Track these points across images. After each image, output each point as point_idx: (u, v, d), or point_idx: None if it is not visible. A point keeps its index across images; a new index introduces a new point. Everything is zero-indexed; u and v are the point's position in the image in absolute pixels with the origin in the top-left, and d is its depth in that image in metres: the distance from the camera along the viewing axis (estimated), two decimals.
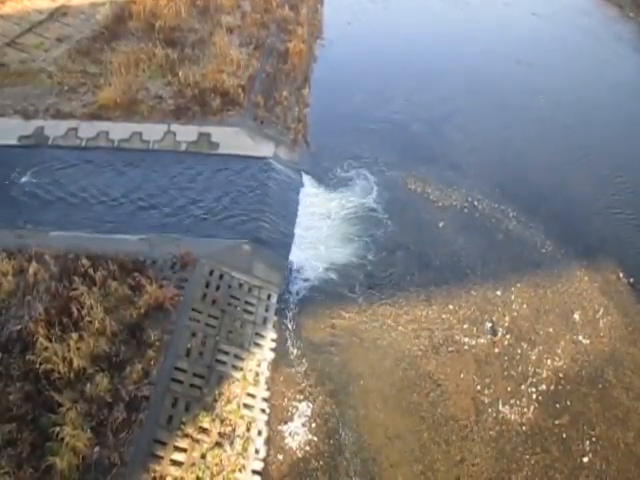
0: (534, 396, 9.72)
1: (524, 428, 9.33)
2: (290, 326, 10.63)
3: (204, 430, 8.54)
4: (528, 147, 15.38)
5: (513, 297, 11.37)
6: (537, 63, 19.35)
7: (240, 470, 8.39)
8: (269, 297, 10.92)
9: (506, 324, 10.83)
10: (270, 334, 10.31)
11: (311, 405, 9.45)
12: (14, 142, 13.60)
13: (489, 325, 10.78)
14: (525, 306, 11.19)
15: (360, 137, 15.45)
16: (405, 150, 15.12)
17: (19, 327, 8.98)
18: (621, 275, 11.92)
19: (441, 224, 12.98)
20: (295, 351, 10.18)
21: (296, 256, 11.90)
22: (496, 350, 10.36)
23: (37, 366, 8.51)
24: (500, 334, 10.62)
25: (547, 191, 13.94)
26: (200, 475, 8.09)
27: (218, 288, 10.40)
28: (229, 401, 8.98)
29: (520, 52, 19.99)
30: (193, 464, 8.14)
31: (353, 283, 11.47)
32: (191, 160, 13.52)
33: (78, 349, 8.73)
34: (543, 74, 18.72)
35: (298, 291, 11.28)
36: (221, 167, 13.37)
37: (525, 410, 9.52)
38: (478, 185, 14.02)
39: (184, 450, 8.24)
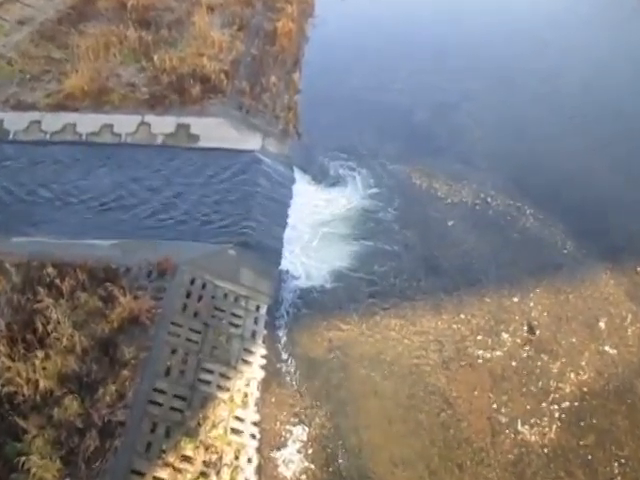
0: (556, 414, 9.76)
1: (546, 450, 9.36)
2: (282, 340, 10.63)
3: (187, 458, 8.52)
4: (546, 136, 15.45)
5: (532, 304, 11.41)
6: (556, 41, 19.43)
7: None
8: (258, 308, 10.93)
9: (524, 334, 10.88)
10: (260, 350, 10.31)
11: (307, 429, 9.45)
12: None
13: (505, 335, 10.83)
14: (545, 314, 11.24)
15: (358, 127, 15.50)
16: (408, 141, 15.18)
17: None
18: None
19: (450, 223, 13.03)
20: (288, 368, 10.18)
21: (288, 262, 11.93)
22: (514, 364, 10.40)
23: None
24: (518, 345, 10.67)
25: (568, 185, 14.00)
26: None
27: (200, 299, 10.39)
28: (214, 425, 8.96)
29: (537, 29, 20.06)
30: None
31: (352, 291, 11.49)
32: (168, 155, 13.54)
33: (44, 369, 8.71)
34: (563, 54, 18.80)
35: (291, 301, 11.29)
36: (202, 162, 13.39)
37: (547, 430, 9.56)
38: (490, 179, 14.09)
39: None
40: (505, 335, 10.85)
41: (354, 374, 10.16)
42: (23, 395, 8.49)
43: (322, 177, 14.09)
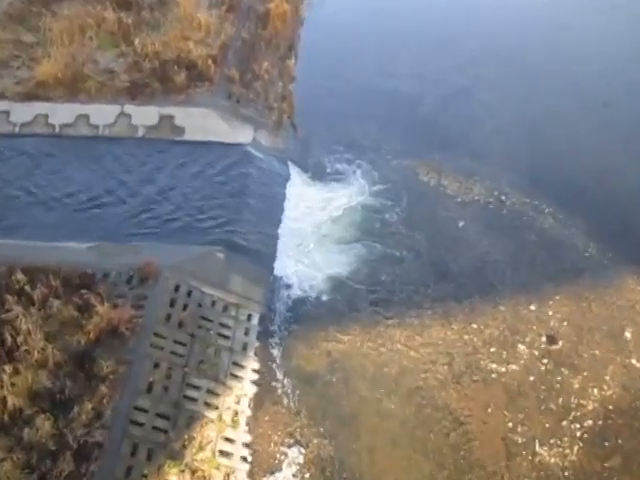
0: (578, 433, 9.80)
1: (567, 473, 9.39)
2: (276, 353, 10.66)
3: None
4: (566, 128, 15.50)
5: (551, 312, 11.46)
6: (579, 25, 19.45)
7: None
8: (249, 317, 10.96)
9: (542, 346, 10.92)
10: (251, 363, 10.33)
11: (304, 450, 9.47)
12: None
13: (521, 347, 10.88)
14: (565, 323, 11.29)
15: (359, 118, 15.54)
16: (415, 133, 15.23)
17: None
18: None
19: (461, 224, 13.09)
20: (283, 384, 10.21)
21: (282, 266, 11.96)
22: (531, 378, 10.44)
23: None
24: (535, 358, 10.71)
25: (590, 181, 14.05)
26: None
27: (186, 307, 10.42)
28: (202, 447, 8.97)
29: (558, 11, 20.10)
30: None
31: (354, 299, 11.54)
32: (150, 149, 13.56)
33: (13, 385, 8.71)
34: (584, 38, 18.86)
35: (285, 309, 11.32)
36: (188, 157, 13.43)
37: (567, 451, 9.60)
38: (505, 175, 14.15)
39: None
40: (521, 347, 10.89)
41: (355, 390, 10.19)
42: None
43: (320, 173, 14.14)
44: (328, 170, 14.21)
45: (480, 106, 16.13)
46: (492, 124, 15.57)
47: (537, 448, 9.61)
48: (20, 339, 9.27)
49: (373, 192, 13.62)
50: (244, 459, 9.24)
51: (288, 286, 11.67)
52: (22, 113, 14.01)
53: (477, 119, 15.74)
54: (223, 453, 9.13)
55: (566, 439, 9.73)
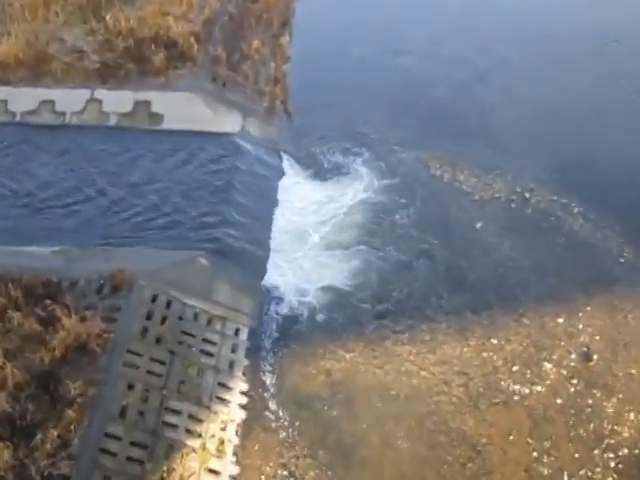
0: (612, 464, 9.80)
1: None
2: (268, 373, 10.66)
3: None
4: (598, 116, 15.56)
5: (581, 326, 11.47)
6: None
7: None
8: (237, 332, 10.96)
9: (571, 364, 10.94)
10: (239, 385, 10.34)
11: None
12: None
13: (548, 366, 10.90)
14: (598, 338, 11.30)
15: (363, 104, 15.59)
16: (426, 122, 15.27)
17: None
18: None
19: (479, 225, 13.12)
20: (275, 408, 10.21)
21: (275, 274, 11.98)
22: (558, 401, 10.45)
23: None
24: (563, 378, 10.73)
25: (625, 177, 14.09)
26: None
27: (164, 320, 10.42)
28: None
29: None
30: None
31: (357, 311, 11.55)
32: (124, 139, 13.58)
33: None
34: (617, 13, 18.94)
35: (279, 323, 11.33)
36: (167, 149, 13.47)
37: None
38: (529, 169, 14.19)
39: None
40: (548, 365, 10.91)
41: (358, 415, 10.18)
42: None
43: (318, 167, 14.18)
44: (327, 164, 14.27)
45: (500, 92, 16.19)
46: (514, 112, 15.62)
47: None
48: None
49: (379, 189, 13.66)
50: None
51: (282, 296, 11.69)
52: None
53: (497, 106, 15.79)
54: None
55: (598, 470, 9.73)
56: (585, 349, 11.10)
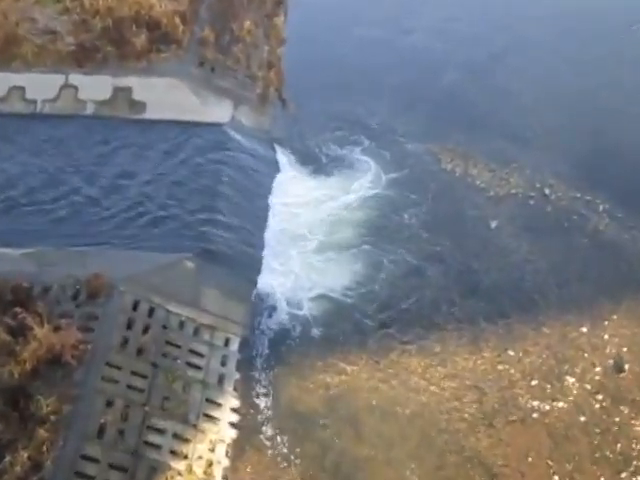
0: None
1: None
2: (261, 387, 10.64)
3: None
4: (626, 103, 15.56)
5: (606, 336, 11.48)
6: None
7: None
8: (227, 343, 10.96)
9: (596, 377, 10.95)
10: (230, 401, 10.33)
11: None
12: None
13: (570, 380, 10.90)
14: (626, 349, 11.30)
15: (366, 90, 15.61)
16: (436, 110, 15.29)
17: None
18: None
19: (494, 224, 13.13)
20: (269, 426, 10.18)
21: (269, 278, 11.99)
22: (582, 419, 10.45)
23: None
24: (588, 393, 10.73)
25: None
26: None
27: (146, 330, 10.41)
28: None
29: None
30: None
31: (360, 319, 11.54)
32: (102, 130, 13.58)
33: None
34: None
35: (273, 332, 11.31)
36: (149, 140, 13.49)
37: None
38: (549, 162, 14.21)
39: None
40: (570, 379, 10.91)
41: (360, 434, 10.17)
42: None
43: (317, 161, 14.21)
44: (327, 157, 14.28)
45: (517, 76, 16.20)
46: (532, 98, 15.64)
47: None
48: None
49: (383, 184, 13.67)
50: None
51: (277, 303, 11.68)
52: None
53: (513, 92, 15.81)
54: None
55: None
56: (612, 361, 11.10)
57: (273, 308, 11.64)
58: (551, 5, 18.31)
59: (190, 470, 9.39)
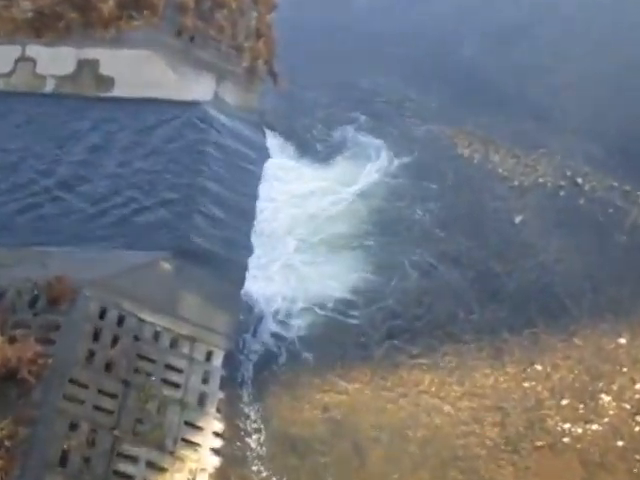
0: None
1: None
2: (249, 408, 10.63)
3: None
4: None
5: None
6: None
7: None
8: (209, 356, 10.94)
9: (636, 396, 10.96)
10: (212, 424, 10.30)
11: None
12: None
13: (606, 399, 10.92)
14: None
15: (370, 63, 15.61)
16: (452, 87, 15.31)
17: None
18: None
19: (518, 218, 13.15)
20: (258, 454, 10.17)
21: (258, 281, 12.00)
22: (619, 443, 10.46)
23: None
24: (626, 414, 10.75)
25: None
26: None
27: (116, 341, 10.38)
28: None
29: None
30: None
31: (363, 329, 11.54)
32: (64, 110, 13.57)
33: None
34: None
35: (263, 345, 11.33)
36: (118, 121, 13.46)
37: None
38: (582, 147, 14.24)
39: None
40: (606, 398, 10.93)
41: (364, 462, 10.16)
42: None
43: (312, 146, 14.25)
44: (324, 141, 14.32)
45: (546, 48, 16.22)
46: (562, 74, 15.67)
47: None
48: None
49: (391, 174, 13.70)
50: None
51: (267, 310, 11.70)
52: None
53: (541, 67, 15.82)
54: None
55: None
56: None
57: (263, 316, 11.65)
58: None
59: None
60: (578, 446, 10.41)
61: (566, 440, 10.48)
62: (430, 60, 15.90)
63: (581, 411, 10.76)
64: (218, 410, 10.48)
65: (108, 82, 13.96)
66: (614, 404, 10.87)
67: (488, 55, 15.99)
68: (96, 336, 10.35)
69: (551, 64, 15.83)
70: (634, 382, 11.12)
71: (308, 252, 12.52)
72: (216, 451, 10.12)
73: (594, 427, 10.62)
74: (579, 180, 13.67)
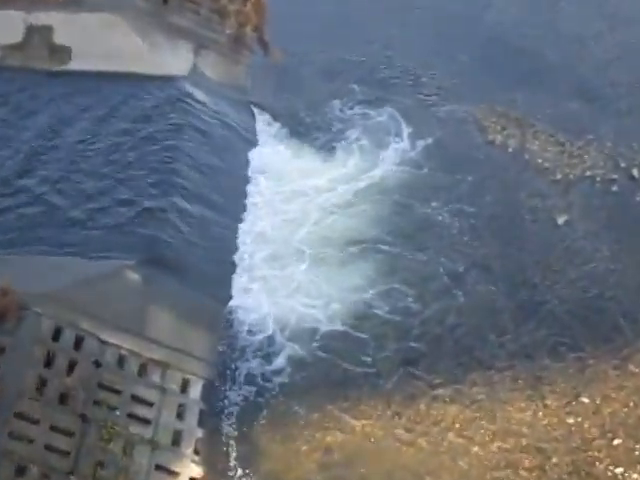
0: None
1: None
2: (234, 449, 10.63)
3: None
4: None
5: None
6: None
7: None
8: (185, 386, 10.94)
9: None
10: (189, 468, 10.29)
11: None
12: None
13: None
14: None
15: (381, 28, 15.67)
16: (479, 58, 15.37)
17: None
18: None
19: (561, 219, 13.21)
20: None
21: (246, 295, 12.06)
22: None
23: None
24: None
25: None
26: None
27: (72, 367, 10.41)
28: None
29: None
30: None
31: (372, 353, 11.58)
32: (11, 86, 13.68)
33: None
34: None
35: (250, 372, 11.34)
36: (76, 100, 13.55)
37: None
38: (638, 132, 14.32)
39: None
40: None
41: None
42: None
43: (309, 129, 14.35)
44: (325, 126, 14.41)
45: (599, 10, 16.25)
46: (617, 42, 15.70)
47: None
48: None
49: (404, 161, 13.76)
50: None
51: (255, 329, 11.72)
52: None
53: (592, 34, 15.88)
54: None
55: None
56: None
57: (251, 337, 11.68)
58: None
59: None
60: None
61: None
62: (454, 24, 16.00)
63: (637, 452, 10.82)
64: (196, 451, 10.48)
65: (64, 53, 14.04)
66: None
67: (524, 23, 16.03)
68: (48, 361, 10.35)
69: (602, 35, 15.85)
70: None
71: (309, 255, 12.61)
72: None
73: None
74: (635, 172, 13.73)
